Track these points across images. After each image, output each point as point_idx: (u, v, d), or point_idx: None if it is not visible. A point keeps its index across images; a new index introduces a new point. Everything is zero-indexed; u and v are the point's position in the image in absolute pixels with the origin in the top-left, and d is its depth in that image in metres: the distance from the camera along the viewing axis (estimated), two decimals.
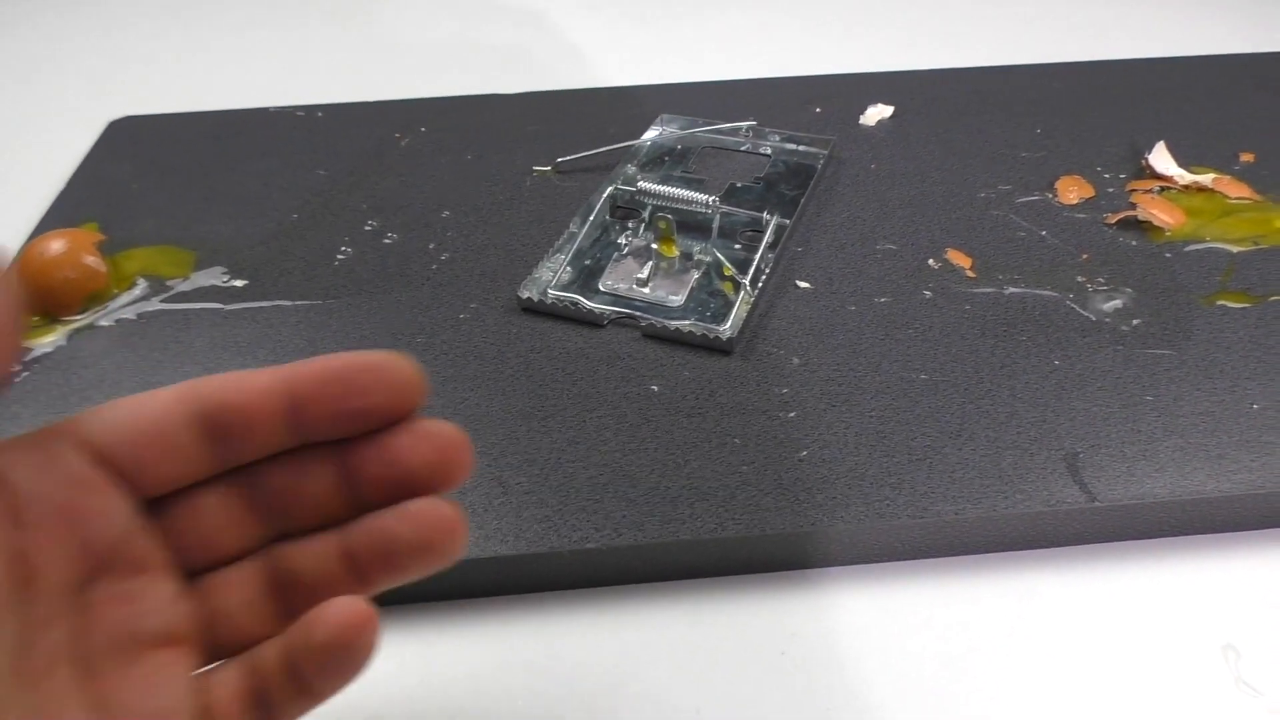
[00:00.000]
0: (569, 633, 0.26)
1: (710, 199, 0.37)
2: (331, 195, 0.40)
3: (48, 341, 0.33)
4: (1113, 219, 0.38)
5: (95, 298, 0.35)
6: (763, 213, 0.37)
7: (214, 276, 0.36)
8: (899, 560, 0.28)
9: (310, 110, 0.46)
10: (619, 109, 0.46)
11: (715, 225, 0.37)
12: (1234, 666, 0.25)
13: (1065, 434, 0.29)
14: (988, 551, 0.28)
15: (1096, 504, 0.27)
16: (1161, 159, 0.40)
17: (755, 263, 0.35)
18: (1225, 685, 0.25)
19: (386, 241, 0.38)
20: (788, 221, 0.37)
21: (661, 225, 0.36)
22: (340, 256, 0.37)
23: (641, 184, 0.37)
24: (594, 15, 0.59)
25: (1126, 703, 0.24)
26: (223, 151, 0.43)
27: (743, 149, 0.43)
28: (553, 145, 0.43)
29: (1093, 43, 0.54)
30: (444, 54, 0.55)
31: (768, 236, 0.36)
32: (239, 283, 0.36)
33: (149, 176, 0.42)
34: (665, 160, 0.42)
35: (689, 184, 0.40)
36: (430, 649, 0.26)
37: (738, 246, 0.36)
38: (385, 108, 0.46)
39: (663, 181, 0.40)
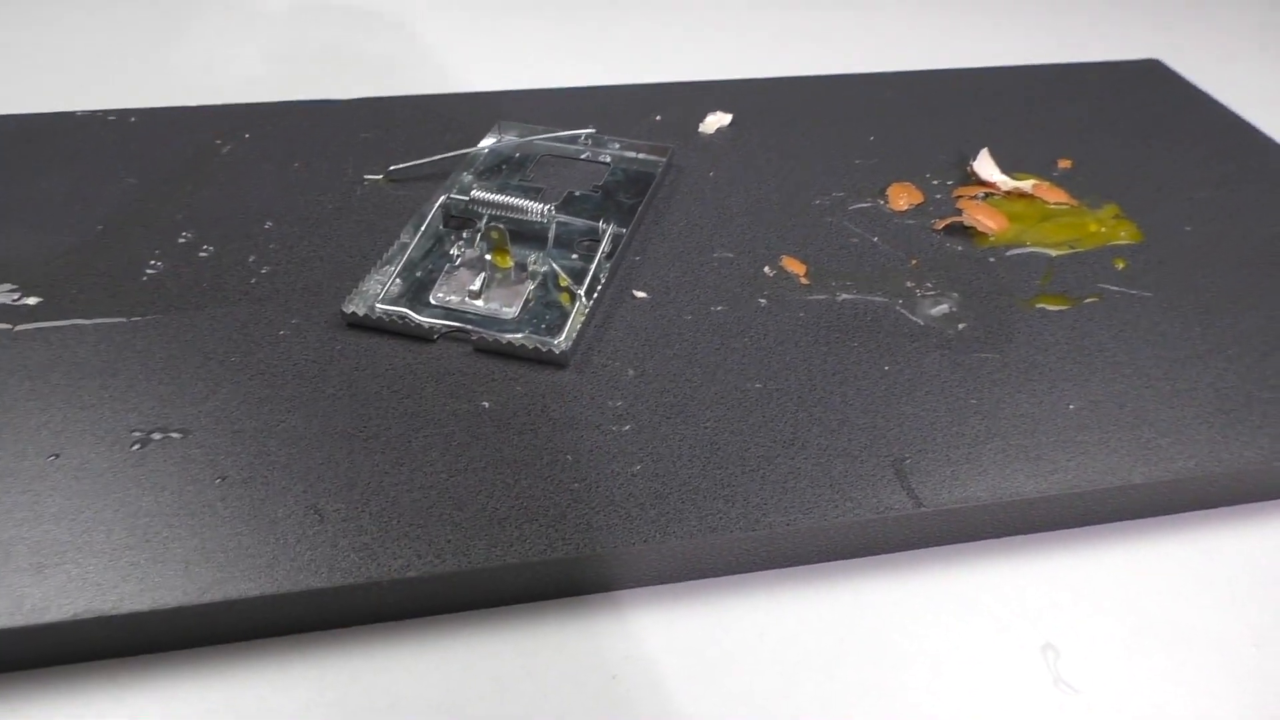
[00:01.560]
0: (391, 667, 0.25)
1: (546, 208, 0.36)
2: (143, 206, 0.37)
3: None
4: (940, 225, 0.38)
5: None
6: (599, 221, 0.36)
7: (2, 295, 0.33)
8: (734, 574, 0.27)
9: (122, 115, 0.43)
10: (456, 116, 0.44)
11: (551, 235, 0.36)
12: (1053, 666, 0.25)
13: (894, 440, 0.29)
14: (820, 561, 0.28)
15: (922, 509, 0.27)
16: (985, 166, 0.41)
17: (591, 272, 0.34)
18: (1045, 685, 0.25)
19: (202, 255, 0.35)
20: (624, 230, 0.36)
21: (494, 235, 0.34)
22: (149, 271, 0.34)
23: (475, 193, 0.36)
24: (429, 20, 0.57)
25: (952, 706, 0.24)
26: (20, 157, 0.40)
27: (582, 157, 0.42)
28: (386, 153, 0.41)
29: (922, 55, 0.55)
30: (271, 58, 0.52)
31: (604, 246, 0.35)
32: (31, 300, 0.33)
33: None
34: (503, 169, 0.41)
35: (526, 193, 0.39)
36: (243, 691, 0.24)
37: (575, 256, 0.35)
38: (206, 113, 0.43)
39: (499, 190, 0.38)
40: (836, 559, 0.28)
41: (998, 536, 0.28)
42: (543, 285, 0.34)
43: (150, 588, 0.24)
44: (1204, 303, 0.35)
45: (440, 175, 0.40)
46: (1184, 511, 0.30)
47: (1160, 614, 0.27)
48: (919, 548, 0.28)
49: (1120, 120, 0.46)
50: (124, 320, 0.32)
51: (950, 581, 0.27)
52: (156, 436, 0.28)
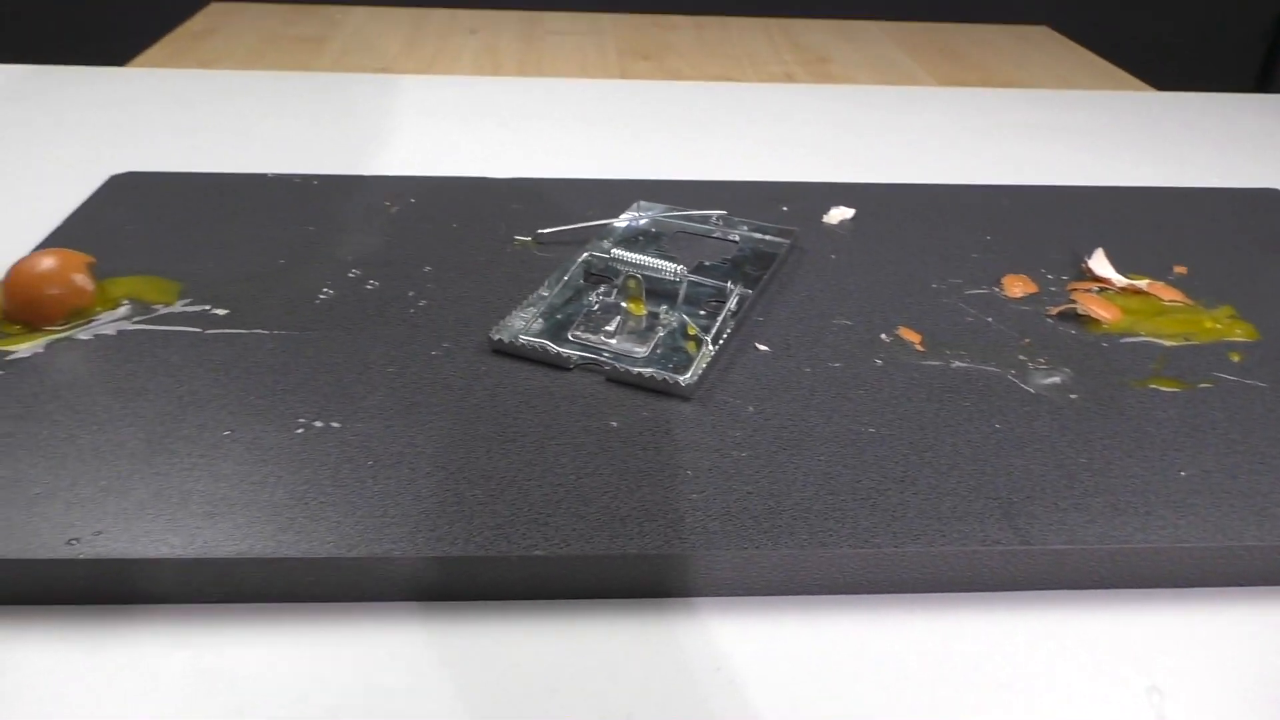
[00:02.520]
0: (507, 640, 0.26)
1: (678, 268, 0.38)
2: (319, 247, 0.42)
3: (25, 348, 0.34)
4: (1054, 311, 0.40)
5: (79, 314, 0.35)
6: (727, 283, 0.39)
7: (197, 305, 0.37)
8: (839, 594, 0.28)
9: (306, 179, 0.48)
10: (600, 196, 0.48)
11: (682, 292, 0.39)
12: (1158, 707, 0.25)
13: (1002, 485, 0.30)
14: (925, 591, 0.28)
15: (1029, 546, 0.28)
16: (1100, 264, 0.42)
17: (717, 324, 0.36)
18: None
19: (368, 287, 0.39)
20: (750, 292, 0.39)
21: (631, 285, 0.37)
22: (322, 296, 0.38)
23: (615, 251, 0.39)
24: (582, 125, 0.62)
25: None
26: (218, 206, 0.45)
27: (714, 236, 0.45)
28: (534, 222, 0.45)
29: (1037, 175, 0.58)
30: (441, 145, 0.58)
31: (730, 304, 0.38)
32: (220, 311, 0.37)
33: (144, 222, 0.43)
34: (639, 240, 0.44)
35: (661, 258, 0.42)
36: (370, 649, 0.26)
37: (703, 314, 0.38)
38: (378, 181, 0.48)
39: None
40: (941, 590, 0.28)
41: (1106, 587, 0.29)
42: (671, 334, 0.36)
43: (305, 538, 0.27)
44: None
45: (581, 242, 0.43)
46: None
47: (1271, 675, 0.26)
48: (1025, 589, 0.29)
49: (1236, 237, 0.47)
50: (297, 333, 0.36)
51: (1055, 622, 0.28)
52: (318, 424, 0.31)
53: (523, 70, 0.78)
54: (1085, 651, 0.27)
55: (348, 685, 0.25)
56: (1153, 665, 0.26)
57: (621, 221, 0.45)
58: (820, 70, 0.82)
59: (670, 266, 0.39)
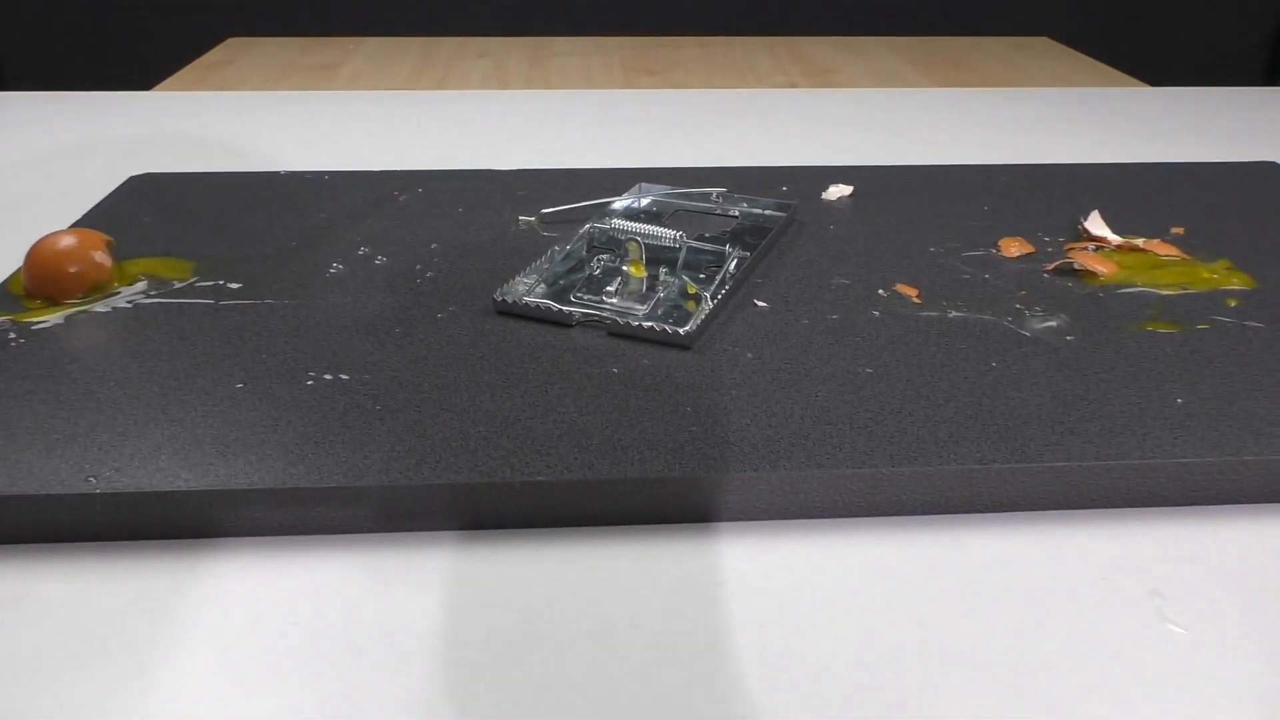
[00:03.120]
0: (512, 566, 0.27)
1: (678, 234, 0.39)
2: (330, 230, 0.43)
3: (47, 319, 0.35)
4: (1050, 267, 0.40)
5: (97, 289, 0.37)
6: (726, 247, 0.39)
7: (210, 280, 0.38)
8: (839, 517, 0.29)
9: (318, 175, 0.50)
10: (602, 183, 0.49)
11: (681, 257, 0.40)
12: (1160, 609, 0.26)
13: (999, 415, 0.30)
14: (926, 514, 0.29)
15: (1027, 464, 0.28)
16: (1096, 224, 0.43)
17: (715, 282, 0.37)
18: (1151, 624, 0.25)
19: (377, 263, 0.40)
20: (748, 254, 0.40)
21: (632, 247, 0.38)
22: (331, 271, 0.39)
23: (615, 221, 0.40)
24: (586, 126, 0.64)
25: (1056, 640, 0.25)
26: (232, 199, 0.47)
27: (714, 213, 0.46)
28: (540, 206, 0.46)
29: (1040, 153, 0.59)
30: (449, 148, 0.59)
31: (729, 266, 0.38)
32: (234, 285, 0.38)
33: (160, 214, 0.45)
34: (640, 217, 0.45)
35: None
36: (381, 572, 0.26)
37: (701, 277, 0.39)
38: (388, 176, 0.50)
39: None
40: (941, 511, 0.29)
41: (1105, 506, 0.29)
42: (671, 295, 0.37)
43: (315, 471, 0.27)
44: None
45: (586, 220, 0.44)
46: None
47: (1267, 582, 0.26)
48: (1024, 509, 0.29)
49: (1234, 204, 0.48)
50: (307, 301, 0.37)
51: (1056, 539, 0.28)
52: (327, 377, 0.32)
53: (529, 85, 0.80)
54: (1086, 563, 0.27)
55: (362, 610, 0.25)
56: (1153, 574, 0.27)
57: (623, 201, 0.46)
58: (823, 80, 0.84)
59: (669, 233, 0.40)
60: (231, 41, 0.93)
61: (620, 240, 0.40)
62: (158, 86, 0.76)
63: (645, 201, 0.47)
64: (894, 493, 0.28)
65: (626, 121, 0.65)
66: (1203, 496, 0.29)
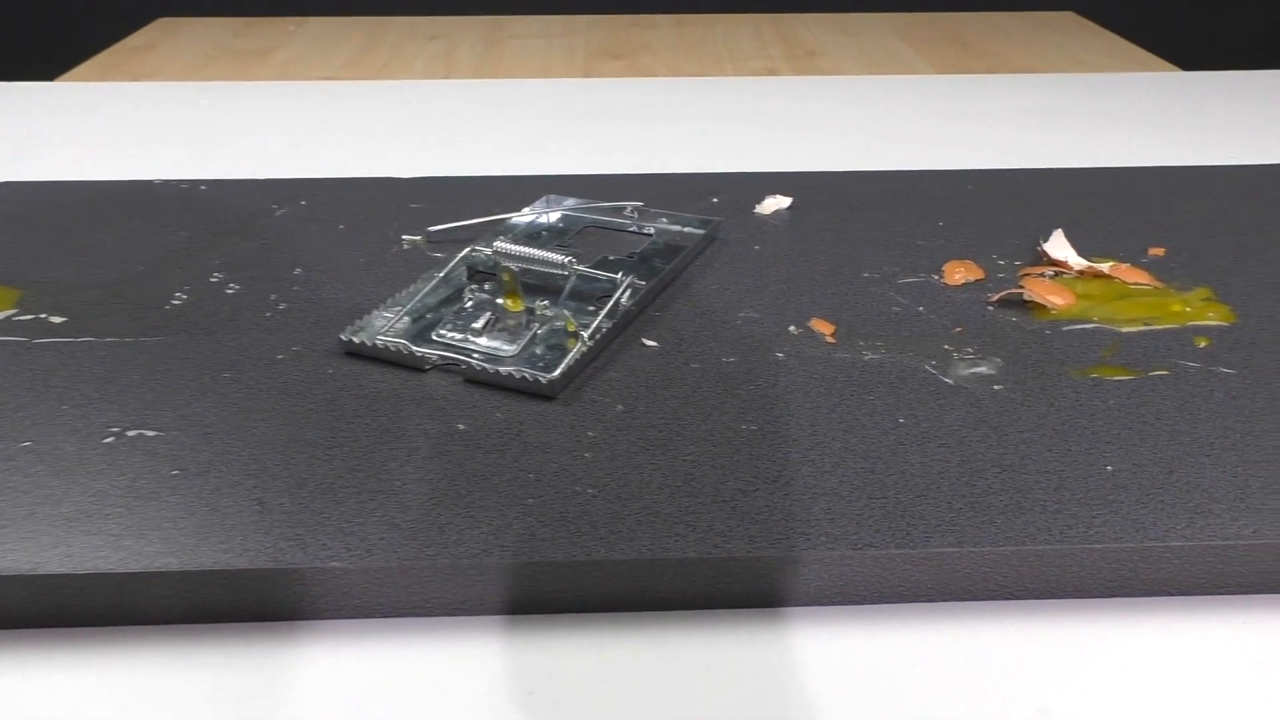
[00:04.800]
0: (298, 666, 0.25)
1: (566, 259, 0.38)
2: (187, 253, 0.42)
3: None
4: (994, 298, 0.38)
5: None
6: (617, 274, 0.37)
7: (30, 314, 0.37)
8: (688, 610, 0.27)
9: (194, 184, 0.48)
10: (511, 193, 0.47)
11: (568, 286, 0.38)
12: None
13: (891, 485, 0.28)
14: (785, 605, 0.27)
15: (908, 550, 0.26)
16: (1058, 246, 0.41)
17: (599, 318, 0.35)
18: None
19: (228, 291, 0.39)
20: (643, 284, 0.38)
21: (505, 277, 0.36)
22: (174, 302, 0.38)
23: (498, 244, 0.39)
24: (531, 116, 0.62)
25: None
26: (92, 213, 0.45)
27: (628, 229, 0.44)
28: (432, 221, 0.44)
29: (1024, 163, 0.56)
30: (349, 148, 0.58)
31: (619, 297, 0.36)
32: (56, 319, 0.37)
33: (5, 231, 0.44)
34: (542, 235, 0.43)
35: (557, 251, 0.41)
36: (146, 677, 0.25)
37: (591, 309, 0.37)
38: (271, 184, 0.48)
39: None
40: (806, 604, 0.27)
41: (1001, 598, 0.27)
42: (550, 331, 0.35)
43: (75, 555, 0.26)
44: None
45: (488, 239, 0.42)
46: (1246, 593, 0.27)
47: (1190, 693, 0.24)
48: (905, 601, 0.27)
49: (1235, 217, 0.45)
50: (133, 340, 0.35)
51: (934, 638, 0.26)
52: (131, 434, 0.31)
53: (478, 74, 0.78)
54: (967, 672, 0.25)
55: (111, 712, 0.24)
56: (1046, 685, 0.24)
57: (525, 216, 0.45)
58: (806, 64, 0.81)
59: (557, 258, 0.38)
60: (161, 22, 0.92)
61: (506, 265, 0.38)
62: (63, 76, 0.75)
63: (555, 216, 0.45)
64: (748, 581, 0.26)
65: (575, 116, 0.63)
66: (1120, 587, 0.27)
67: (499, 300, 0.37)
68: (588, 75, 0.78)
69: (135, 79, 0.76)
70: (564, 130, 0.61)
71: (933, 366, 0.34)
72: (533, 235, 0.43)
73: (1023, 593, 0.27)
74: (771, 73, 0.79)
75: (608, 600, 0.26)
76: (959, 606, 0.27)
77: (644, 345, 0.35)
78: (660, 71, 0.80)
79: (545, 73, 0.79)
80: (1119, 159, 0.56)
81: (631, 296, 0.37)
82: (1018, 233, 0.44)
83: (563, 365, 0.33)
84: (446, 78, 0.78)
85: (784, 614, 0.27)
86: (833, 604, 0.27)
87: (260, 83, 0.71)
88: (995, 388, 0.33)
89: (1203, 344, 0.35)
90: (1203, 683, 0.24)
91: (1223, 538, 0.26)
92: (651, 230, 0.43)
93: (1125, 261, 0.41)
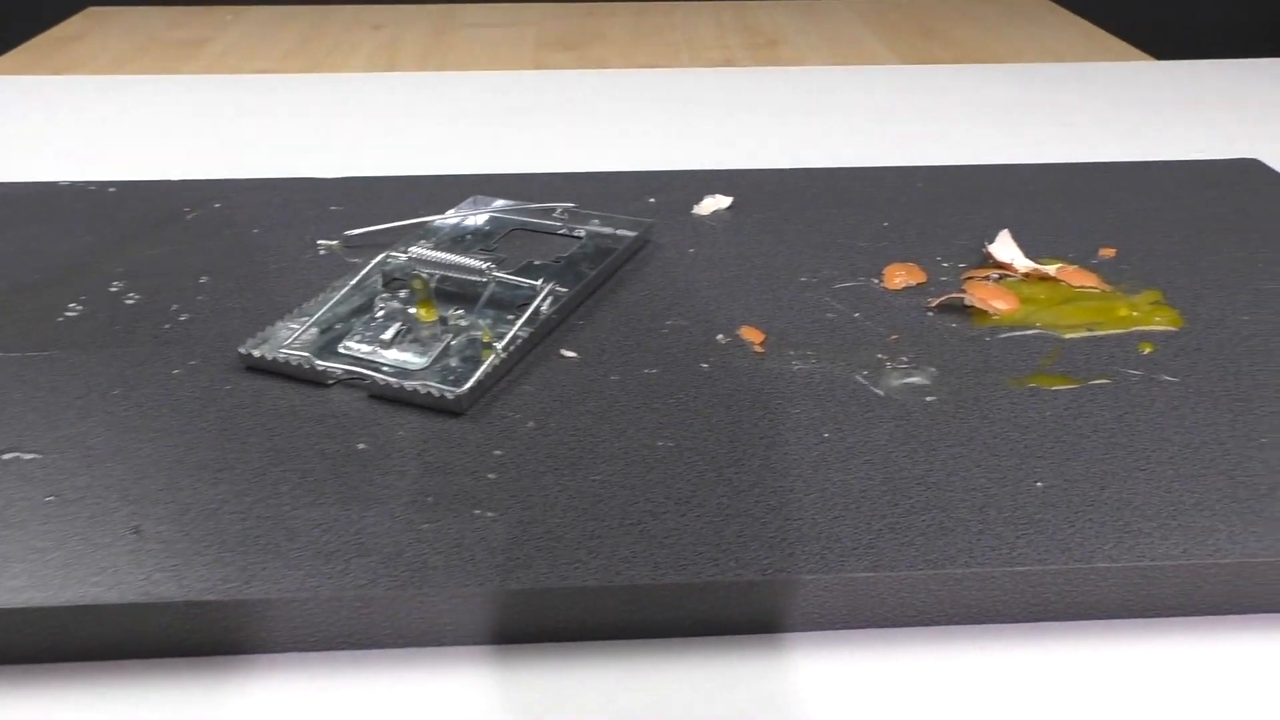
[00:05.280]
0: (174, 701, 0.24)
1: (485, 265, 0.37)
2: (87, 260, 0.41)
3: None
4: (934, 303, 0.38)
5: None
6: (538, 281, 0.37)
7: None
8: (587, 640, 0.26)
9: (102, 186, 0.47)
10: (439, 193, 0.47)
11: (486, 293, 0.37)
12: None
13: (810, 505, 0.28)
14: (695, 635, 0.26)
15: (822, 575, 0.26)
16: (1003, 247, 0.40)
17: (515, 328, 0.35)
18: None
19: (127, 302, 0.38)
20: (565, 291, 0.37)
21: (417, 285, 0.36)
22: (67, 314, 0.37)
23: (413, 250, 0.38)
24: (475, 110, 0.61)
25: None
26: None
27: (558, 232, 0.43)
28: (353, 224, 0.44)
29: (972, 152, 0.56)
30: (303, 135, 0.57)
31: (539, 305, 0.36)
32: None
33: None
34: (467, 239, 0.43)
35: (480, 257, 0.40)
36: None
37: (510, 318, 0.36)
38: (186, 186, 0.48)
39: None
40: (717, 633, 0.26)
41: (922, 624, 0.26)
42: (465, 343, 0.35)
43: None
44: (1243, 391, 0.33)
45: (407, 243, 0.42)
46: (1167, 616, 0.27)
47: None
48: (821, 628, 0.26)
49: (1193, 214, 0.45)
50: (19, 356, 0.35)
51: (852, 665, 0.25)
52: (6, 457, 0.30)
53: (423, 66, 0.77)
54: (879, 700, 0.24)
55: None
56: (962, 717, 0.24)
57: (450, 218, 0.44)
58: (767, 54, 0.81)
59: (476, 265, 0.37)
60: (91, 11, 0.91)
61: (424, 272, 0.38)
62: None
63: (482, 219, 0.45)
64: (651, 610, 0.26)
65: (519, 112, 0.63)
66: (1043, 612, 0.26)
67: (411, 310, 0.36)
68: (537, 67, 0.78)
69: (60, 72, 0.75)
70: (505, 126, 0.60)
71: (864, 377, 0.34)
72: (457, 239, 0.43)
73: (942, 618, 0.26)
74: (729, 63, 0.79)
75: (502, 632, 0.26)
76: (876, 634, 0.26)
77: (563, 356, 0.35)
78: (613, 63, 0.79)
79: (494, 64, 0.78)
80: (1081, 153, 0.56)
81: (552, 304, 0.37)
82: (966, 232, 0.43)
83: (473, 379, 0.32)
84: (390, 70, 0.77)
85: (692, 644, 0.26)
86: (745, 633, 0.26)
87: (189, 76, 0.70)
88: (927, 399, 0.32)
89: (1147, 350, 0.35)
90: (1128, 713, 0.24)
91: (1151, 558, 0.26)
92: (582, 233, 0.43)
93: (1075, 263, 0.41)
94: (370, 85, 0.68)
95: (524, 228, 0.44)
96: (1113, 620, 0.27)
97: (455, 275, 0.37)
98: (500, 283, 0.37)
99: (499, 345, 0.34)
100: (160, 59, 0.78)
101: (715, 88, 0.68)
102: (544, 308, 0.36)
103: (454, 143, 0.57)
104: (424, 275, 0.36)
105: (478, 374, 0.32)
